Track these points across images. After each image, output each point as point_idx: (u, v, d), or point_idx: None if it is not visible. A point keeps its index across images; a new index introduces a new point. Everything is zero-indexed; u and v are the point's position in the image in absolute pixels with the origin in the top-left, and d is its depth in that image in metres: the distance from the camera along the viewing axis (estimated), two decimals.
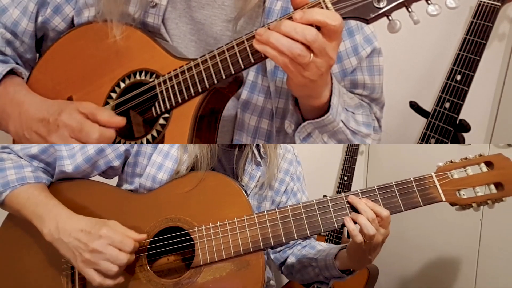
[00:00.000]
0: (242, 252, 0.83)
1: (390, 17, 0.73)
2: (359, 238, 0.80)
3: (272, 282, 1.11)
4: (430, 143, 1.55)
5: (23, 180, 0.87)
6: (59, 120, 0.82)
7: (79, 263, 0.79)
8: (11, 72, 0.90)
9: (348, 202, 0.83)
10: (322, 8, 0.72)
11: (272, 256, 1.10)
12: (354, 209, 0.82)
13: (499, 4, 1.45)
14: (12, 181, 0.87)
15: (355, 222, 0.82)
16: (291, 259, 1.06)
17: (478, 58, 1.46)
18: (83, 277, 0.86)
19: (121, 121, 0.83)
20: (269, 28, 0.73)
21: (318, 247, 1.04)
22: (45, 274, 0.87)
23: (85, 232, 0.79)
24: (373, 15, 0.72)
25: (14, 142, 0.93)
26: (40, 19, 0.94)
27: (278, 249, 1.10)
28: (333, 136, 0.87)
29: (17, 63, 0.96)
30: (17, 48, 0.95)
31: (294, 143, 0.92)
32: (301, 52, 0.70)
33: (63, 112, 0.82)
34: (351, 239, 0.83)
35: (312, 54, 0.70)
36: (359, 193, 0.84)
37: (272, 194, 1.04)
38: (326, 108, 0.82)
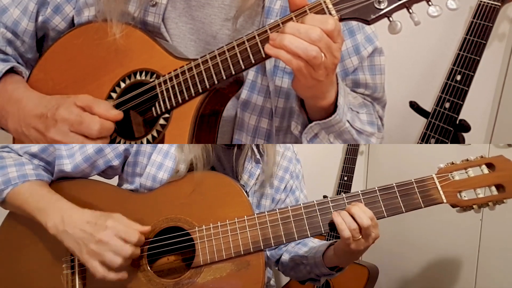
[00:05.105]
0: (242, 253, 0.83)
1: (391, 18, 0.72)
2: (347, 233, 0.79)
3: (272, 282, 1.11)
4: (430, 143, 1.55)
5: (25, 177, 0.87)
6: (57, 115, 0.81)
7: (84, 255, 0.79)
8: (12, 70, 0.90)
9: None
10: (323, 9, 0.72)
11: (267, 253, 1.10)
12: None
13: (499, 4, 1.45)
14: (14, 178, 0.87)
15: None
16: (285, 256, 1.06)
17: (478, 58, 1.46)
18: (84, 276, 0.86)
19: (118, 115, 0.83)
20: (267, 31, 0.73)
21: (310, 244, 1.03)
22: (45, 274, 0.87)
23: (91, 224, 0.80)
24: (374, 16, 0.72)
25: (14, 141, 0.93)
26: (40, 18, 0.94)
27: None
28: (339, 136, 0.87)
29: (18, 63, 0.95)
30: (18, 48, 0.95)
31: (294, 143, 0.92)
32: (317, 54, 0.69)
33: (60, 107, 0.82)
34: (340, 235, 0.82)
35: (323, 54, 0.70)
36: (360, 194, 0.84)
37: (272, 191, 1.04)
38: (331, 108, 0.82)
